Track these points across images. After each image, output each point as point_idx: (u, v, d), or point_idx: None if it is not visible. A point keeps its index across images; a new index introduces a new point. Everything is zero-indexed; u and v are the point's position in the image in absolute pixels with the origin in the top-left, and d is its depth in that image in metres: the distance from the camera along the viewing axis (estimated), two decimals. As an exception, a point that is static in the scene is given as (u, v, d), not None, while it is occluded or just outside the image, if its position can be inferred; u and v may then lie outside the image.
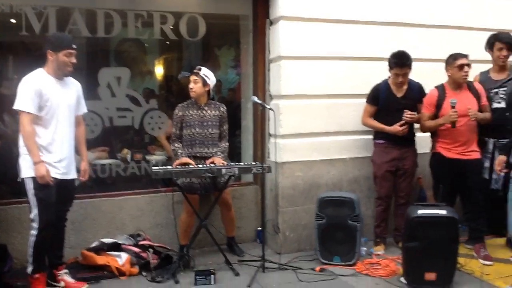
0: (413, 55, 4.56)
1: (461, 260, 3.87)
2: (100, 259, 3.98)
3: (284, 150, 4.56)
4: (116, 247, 4.10)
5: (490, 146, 4.39)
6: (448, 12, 5.04)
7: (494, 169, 4.22)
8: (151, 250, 4.16)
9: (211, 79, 4.32)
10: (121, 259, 4.01)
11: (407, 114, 4.33)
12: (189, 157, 4.24)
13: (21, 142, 3.53)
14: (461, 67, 4.18)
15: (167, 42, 5.45)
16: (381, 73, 4.61)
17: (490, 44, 4.52)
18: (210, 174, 4.07)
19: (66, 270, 3.78)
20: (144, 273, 4.02)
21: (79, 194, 4.01)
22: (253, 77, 4.99)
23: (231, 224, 4.60)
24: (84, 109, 3.92)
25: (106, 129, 4.83)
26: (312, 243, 4.43)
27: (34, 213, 3.50)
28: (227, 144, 4.43)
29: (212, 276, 3.86)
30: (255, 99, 4.32)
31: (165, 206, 4.49)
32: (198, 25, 4.89)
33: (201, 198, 4.43)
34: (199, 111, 4.32)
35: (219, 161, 4.19)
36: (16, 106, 3.47)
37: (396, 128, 4.34)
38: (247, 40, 5.11)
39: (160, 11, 4.75)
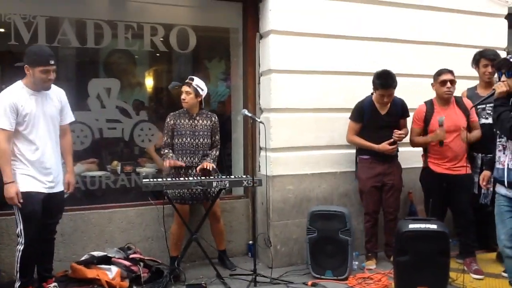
0: (400, 70, 4.68)
1: (452, 274, 3.89)
2: (90, 273, 3.91)
3: (275, 164, 4.57)
4: (106, 260, 4.03)
5: (479, 161, 4.46)
6: (435, 29, 5.14)
7: None
8: (141, 263, 4.11)
9: (204, 90, 4.34)
10: (111, 272, 3.94)
11: (396, 134, 4.38)
12: (179, 167, 4.24)
13: None
14: (443, 82, 4.25)
15: (157, 54, 5.43)
16: (370, 87, 4.68)
17: (476, 61, 4.62)
18: (200, 188, 4.06)
19: (55, 284, 3.72)
20: (135, 287, 3.97)
21: (68, 206, 3.96)
22: (243, 90, 5.01)
23: (220, 236, 4.57)
24: (70, 118, 3.85)
25: (95, 140, 4.79)
26: (304, 257, 4.43)
27: (20, 228, 3.45)
28: (218, 152, 4.43)
29: (204, 290, 3.84)
30: (246, 112, 4.32)
31: (155, 219, 4.44)
32: (188, 37, 4.91)
33: (191, 210, 4.41)
34: (191, 121, 4.32)
35: (208, 165, 4.20)
36: None
37: (385, 146, 4.38)
38: (237, 53, 5.14)
39: (150, 23, 4.76)
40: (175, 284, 4.04)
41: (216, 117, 4.46)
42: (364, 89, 4.66)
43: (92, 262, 4.01)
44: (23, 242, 3.45)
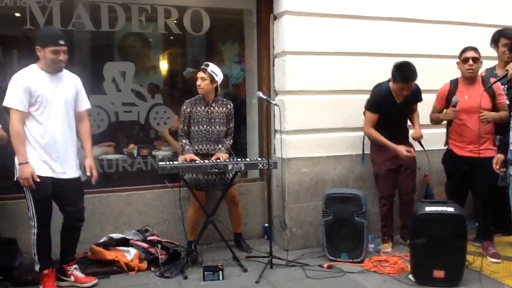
0: (417, 50, 4.61)
1: (469, 257, 3.87)
2: (109, 254, 3.99)
3: (290, 146, 4.56)
4: (125, 242, 4.10)
5: (497, 143, 4.39)
6: (454, 8, 5.03)
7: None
8: (159, 245, 4.17)
9: (219, 76, 4.29)
10: (130, 254, 4.02)
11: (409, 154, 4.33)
12: (195, 154, 4.24)
13: None
14: (465, 60, 4.16)
15: (171, 37, 5.42)
16: (386, 69, 4.61)
17: (495, 40, 4.52)
18: (216, 170, 4.07)
19: (75, 266, 3.78)
20: (152, 269, 4.04)
21: (87, 189, 3.98)
22: (258, 73, 4.97)
23: (238, 220, 4.60)
24: (86, 105, 3.83)
25: (112, 124, 4.82)
26: (319, 239, 4.44)
27: (32, 211, 3.49)
28: (231, 141, 4.43)
29: (220, 272, 3.86)
30: (260, 94, 4.30)
31: (171, 202, 4.47)
32: (202, 19, 4.87)
33: (207, 194, 4.43)
34: (207, 108, 4.30)
35: (224, 156, 4.19)
36: (5, 103, 3.42)
37: (402, 151, 4.27)
38: (251, 35, 5.10)
39: (164, 5, 4.73)
40: (192, 266, 4.09)
41: (232, 104, 4.43)
42: (380, 70, 4.60)
43: (111, 244, 4.09)
44: (36, 225, 3.49)
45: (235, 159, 4.24)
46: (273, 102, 4.34)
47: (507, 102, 4.27)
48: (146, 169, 4.90)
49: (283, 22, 4.52)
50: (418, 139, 4.52)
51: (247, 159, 4.43)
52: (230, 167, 4.08)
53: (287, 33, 4.51)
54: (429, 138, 4.63)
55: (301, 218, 4.62)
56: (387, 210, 4.54)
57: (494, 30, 4.63)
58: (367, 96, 4.59)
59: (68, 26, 4.43)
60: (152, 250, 4.11)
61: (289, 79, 4.54)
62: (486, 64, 4.52)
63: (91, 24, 4.55)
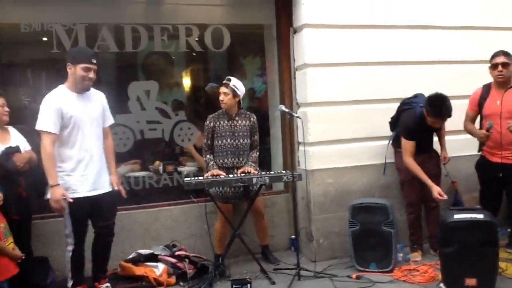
0: (436, 57, 4.62)
1: (502, 264, 3.80)
2: (138, 270, 4.03)
3: (313, 158, 4.57)
4: (153, 258, 4.15)
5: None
6: (468, 13, 4.99)
7: None
8: (187, 260, 4.21)
9: (241, 90, 4.33)
10: (158, 269, 4.06)
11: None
12: (220, 168, 4.28)
13: None
14: (495, 66, 4.11)
15: (193, 54, 5.51)
16: (407, 77, 4.64)
17: None
18: (241, 184, 4.09)
19: (107, 284, 3.83)
20: (181, 283, 4.06)
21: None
22: (280, 85, 5.02)
23: (264, 232, 4.61)
24: (110, 121, 3.90)
25: (137, 142, 4.92)
26: (346, 250, 4.40)
27: (69, 229, 3.55)
28: (258, 153, 4.44)
29: (249, 285, 3.85)
30: (283, 107, 4.33)
31: (198, 217, 4.53)
32: (222, 36, 4.95)
33: (234, 207, 4.45)
34: (230, 122, 4.34)
35: (250, 169, 4.21)
36: (37, 126, 3.46)
37: (434, 193, 4.14)
38: (271, 49, 5.15)
39: (185, 24, 4.82)
40: (220, 279, 4.11)
41: (255, 117, 4.46)
42: (401, 78, 4.65)
43: (140, 260, 4.14)
44: (72, 242, 3.55)
45: (259, 172, 4.26)
46: (295, 115, 4.35)
47: None
48: (172, 185, 4.96)
49: (303, 35, 4.57)
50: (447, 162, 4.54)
51: (272, 172, 4.45)
52: (254, 180, 4.10)
53: (307, 45, 4.55)
54: (457, 144, 4.61)
55: (327, 229, 4.60)
56: (414, 218, 4.49)
57: (508, 33, 4.57)
58: (388, 105, 4.62)
59: (93, 48, 4.53)
60: (180, 264, 4.14)
61: (310, 91, 4.57)
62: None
63: (115, 45, 4.66)
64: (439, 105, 4.06)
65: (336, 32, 4.61)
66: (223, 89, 4.29)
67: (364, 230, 4.18)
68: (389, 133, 4.65)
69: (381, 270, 4.13)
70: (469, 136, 4.43)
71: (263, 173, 4.28)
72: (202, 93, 6.32)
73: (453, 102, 4.39)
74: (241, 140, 4.34)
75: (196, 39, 4.88)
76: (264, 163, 5.11)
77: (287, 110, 4.32)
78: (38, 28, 4.41)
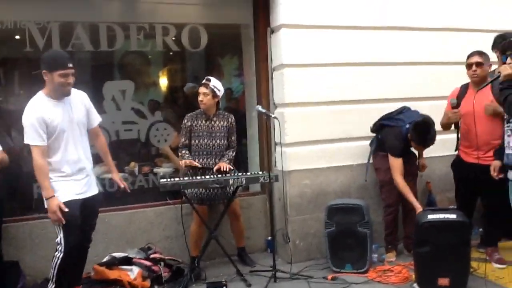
0: (417, 58, 4.67)
1: (474, 264, 3.85)
2: (112, 274, 3.97)
3: (290, 159, 4.56)
4: (128, 261, 4.10)
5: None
6: (449, 15, 5.04)
7: None
8: (162, 263, 4.15)
9: (221, 90, 4.30)
10: (133, 273, 4.00)
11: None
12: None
13: None
14: (469, 66, 4.14)
15: (170, 53, 5.48)
16: (384, 78, 4.65)
17: (497, 44, 4.49)
18: (217, 185, 4.07)
19: (82, 289, 3.75)
20: (156, 287, 4.01)
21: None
22: (257, 86, 5.00)
23: (240, 234, 4.59)
24: (97, 120, 3.78)
25: (112, 142, 4.85)
26: (322, 251, 4.42)
27: (60, 236, 3.43)
28: (234, 153, 4.42)
29: (224, 288, 3.86)
30: (259, 108, 4.31)
31: (174, 218, 4.48)
32: (200, 35, 4.93)
33: (209, 208, 4.43)
34: (208, 122, 4.31)
35: (225, 165, 4.18)
36: (26, 140, 3.37)
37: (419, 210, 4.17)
38: (249, 49, 5.13)
39: (162, 23, 4.79)
40: (196, 282, 4.07)
41: (233, 118, 4.43)
42: (378, 79, 4.63)
43: (114, 263, 4.08)
44: (63, 250, 3.41)
45: (236, 174, 4.24)
46: (272, 116, 4.34)
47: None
48: (147, 186, 4.93)
49: (280, 35, 4.55)
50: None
51: (248, 173, 4.43)
52: (231, 181, 4.08)
53: (284, 46, 4.54)
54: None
55: (303, 230, 4.60)
56: (392, 218, 4.52)
57: (485, 34, 4.63)
58: (366, 106, 4.67)
59: (67, 47, 4.48)
60: (155, 268, 4.09)
61: (288, 92, 4.56)
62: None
63: (90, 44, 4.60)
64: (423, 134, 4.22)
65: (314, 32, 4.60)
66: (202, 90, 4.25)
67: (340, 231, 4.19)
68: (365, 133, 4.67)
69: (356, 271, 4.14)
70: (443, 136, 4.45)
71: (239, 174, 4.26)
72: (179, 93, 6.28)
73: (430, 103, 4.46)
74: (218, 141, 4.31)
75: (173, 38, 4.86)
76: (241, 164, 5.09)
77: (264, 110, 4.30)
78: (11, 26, 4.33)
